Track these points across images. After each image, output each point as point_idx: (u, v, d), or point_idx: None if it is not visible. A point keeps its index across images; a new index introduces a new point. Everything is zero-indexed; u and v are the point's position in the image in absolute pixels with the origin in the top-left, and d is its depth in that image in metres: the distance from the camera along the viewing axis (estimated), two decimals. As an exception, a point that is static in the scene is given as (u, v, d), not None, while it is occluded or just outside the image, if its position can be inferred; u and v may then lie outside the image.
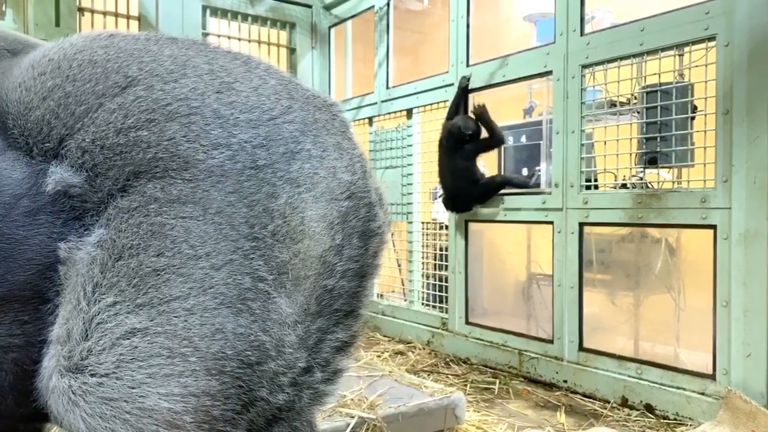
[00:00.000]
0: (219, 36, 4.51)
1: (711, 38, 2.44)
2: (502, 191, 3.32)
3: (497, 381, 3.08)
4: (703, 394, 2.43)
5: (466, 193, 3.39)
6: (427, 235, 4.11)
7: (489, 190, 3.33)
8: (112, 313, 0.90)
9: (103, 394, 0.88)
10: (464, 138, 3.27)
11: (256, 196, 0.96)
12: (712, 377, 2.41)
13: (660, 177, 2.94)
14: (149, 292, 0.90)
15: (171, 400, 0.88)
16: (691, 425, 2.39)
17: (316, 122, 1.06)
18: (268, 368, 0.95)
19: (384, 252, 1.16)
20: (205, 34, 4.38)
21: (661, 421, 2.49)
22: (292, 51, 4.89)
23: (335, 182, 1.04)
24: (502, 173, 3.56)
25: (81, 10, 3.87)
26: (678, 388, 2.51)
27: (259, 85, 1.05)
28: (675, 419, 2.48)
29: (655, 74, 2.66)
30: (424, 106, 3.92)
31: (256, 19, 4.65)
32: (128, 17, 4.06)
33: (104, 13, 3.96)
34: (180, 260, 0.91)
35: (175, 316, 0.90)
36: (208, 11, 4.41)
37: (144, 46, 1.06)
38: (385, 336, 4.13)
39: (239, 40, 4.60)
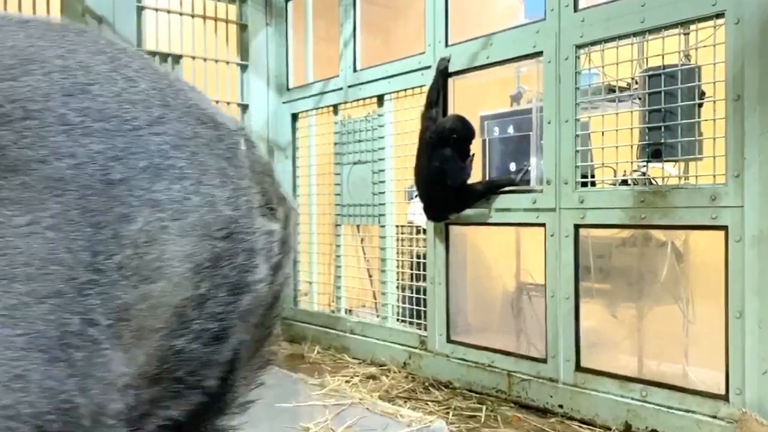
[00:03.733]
0: (157, 10, 4.44)
1: (719, 15, 2.48)
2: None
3: (484, 407, 3.09)
4: (714, 417, 2.47)
5: (439, 199, 3.39)
6: (402, 240, 4.12)
7: (468, 199, 3.32)
8: None
9: None
10: (448, 140, 3.28)
11: (105, 217, 0.86)
12: (725, 398, 2.46)
13: (665, 172, 2.99)
14: None
15: None
16: (702, 453, 2.43)
17: (195, 137, 0.98)
18: None
19: (258, 316, 1.05)
20: (141, 8, 4.31)
21: (669, 449, 2.53)
22: (243, 28, 4.84)
23: (212, 215, 0.94)
24: (487, 170, 3.58)
25: (-9, -21, 3.78)
26: (687, 411, 2.55)
27: (124, 89, 0.97)
28: (684, 447, 2.52)
29: (658, 55, 2.71)
30: (398, 92, 3.93)
31: (200, -10, 4.60)
32: (50, -11, 3.97)
33: (19, -17, 3.87)
34: None
35: None
36: (143, -19, 4.34)
37: None
38: (354, 358, 4.11)
39: (180, 14, 4.53)
